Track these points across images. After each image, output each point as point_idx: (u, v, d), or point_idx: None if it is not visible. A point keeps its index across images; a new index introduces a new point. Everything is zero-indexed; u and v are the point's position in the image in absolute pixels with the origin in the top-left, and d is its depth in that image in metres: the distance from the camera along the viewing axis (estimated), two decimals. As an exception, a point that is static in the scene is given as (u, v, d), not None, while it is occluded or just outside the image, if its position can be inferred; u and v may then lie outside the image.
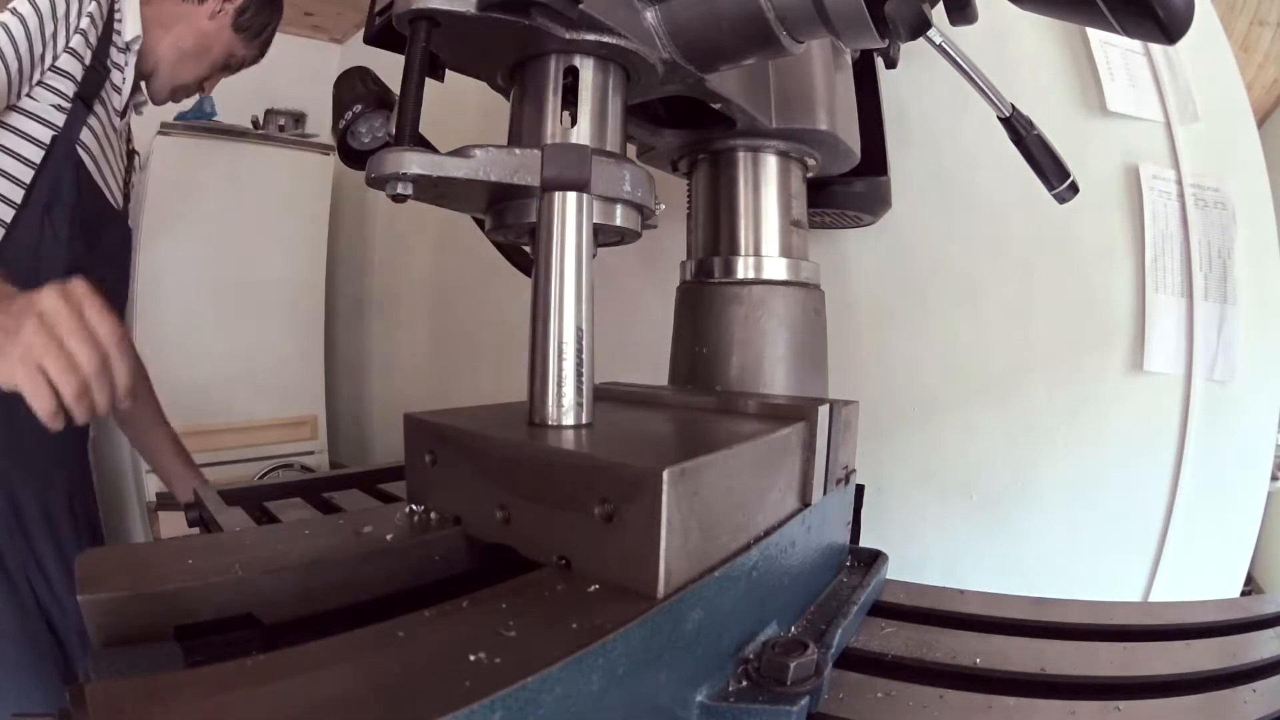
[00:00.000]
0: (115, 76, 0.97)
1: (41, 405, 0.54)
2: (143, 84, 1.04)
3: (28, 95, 0.86)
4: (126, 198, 1.08)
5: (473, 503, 0.40)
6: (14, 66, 0.82)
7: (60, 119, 0.89)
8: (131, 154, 1.11)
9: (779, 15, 0.44)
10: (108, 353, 0.56)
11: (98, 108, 0.94)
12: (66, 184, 0.90)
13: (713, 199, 0.67)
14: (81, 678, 0.28)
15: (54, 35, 0.85)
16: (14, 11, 0.82)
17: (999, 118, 0.63)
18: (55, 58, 0.87)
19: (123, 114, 1.01)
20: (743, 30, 0.45)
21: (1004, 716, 0.39)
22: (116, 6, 0.95)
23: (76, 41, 0.88)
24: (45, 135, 0.88)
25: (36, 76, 0.86)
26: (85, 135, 0.92)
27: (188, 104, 1.70)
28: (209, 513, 0.66)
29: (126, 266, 1.10)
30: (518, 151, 0.41)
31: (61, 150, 0.89)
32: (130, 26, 0.96)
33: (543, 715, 0.24)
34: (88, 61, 0.90)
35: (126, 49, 0.97)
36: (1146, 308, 0.82)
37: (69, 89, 0.89)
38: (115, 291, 1.07)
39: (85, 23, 0.88)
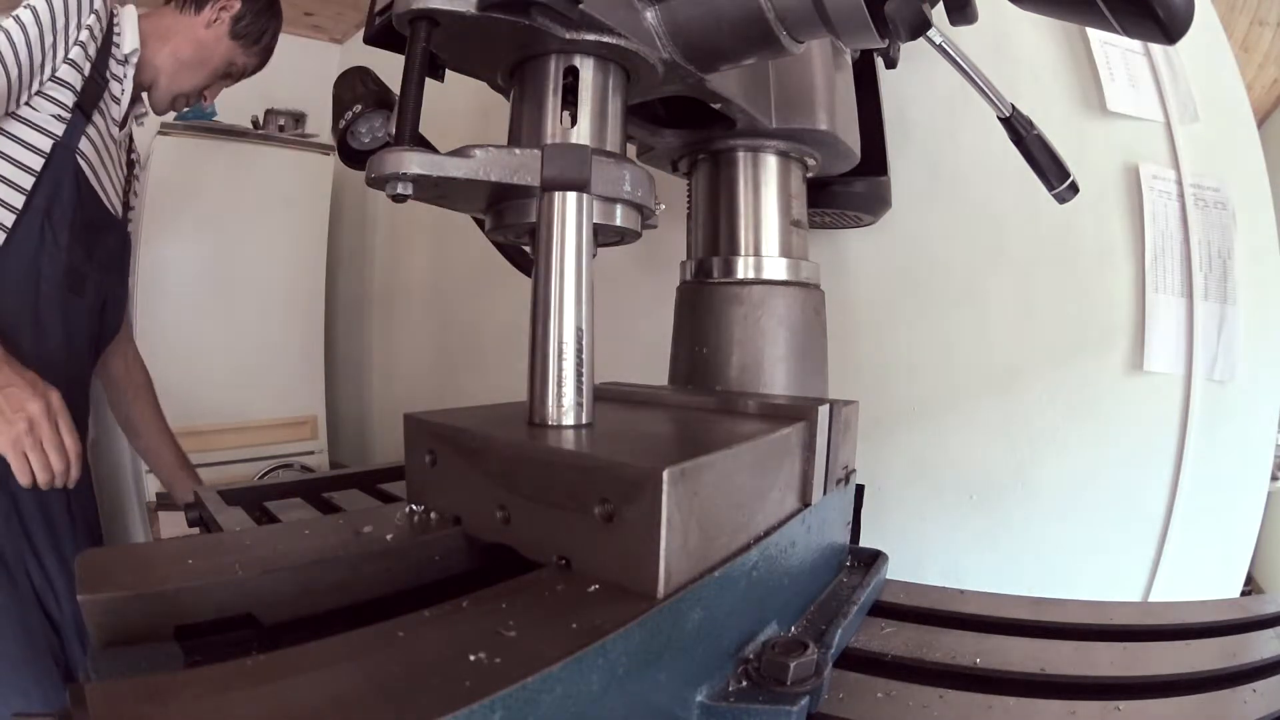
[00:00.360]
0: (114, 88, 0.99)
1: (21, 478, 0.79)
2: (143, 95, 1.06)
3: (28, 104, 0.89)
4: (127, 205, 1.09)
5: (473, 503, 0.40)
6: (14, 73, 0.84)
7: (60, 128, 0.91)
8: (132, 163, 1.12)
9: (779, 15, 0.44)
10: (71, 462, 0.82)
11: (96, 117, 0.96)
12: (66, 191, 0.93)
13: (713, 199, 0.67)
14: (81, 678, 0.28)
15: (53, 45, 0.88)
16: (16, 19, 0.84)
17: (999, 118, 0.63)
18: (55, 69, 0.89)
19: (122, 124, 1.03)
20: (743, 30, 0.45)
21: (1004, 716, 0.39)
22: (116, 20, 0.97)
23: (75, 53, 0.90)
24: (45, 143, 0.90)
25: (36, 86, 0.88)
26: (84, 144, 0.94)
27: (188, 104, 1.71)
28: (209, 513, 0.66)
29: (125, 272, 1.11)
30: (518, 151, 0.41)
31: (61, 158, 0.92)
32: (129, 40, 0.99)
33: (543, 715, 0.24)
34: (87, 72, 0.93)
35: (125, 61, 0.99)
36: (1146, 308, 0.82)
37: (68, 99, 0.91)
38: (114, 295, 1.08)
39: (84, 35, 0.91)
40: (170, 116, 1.65)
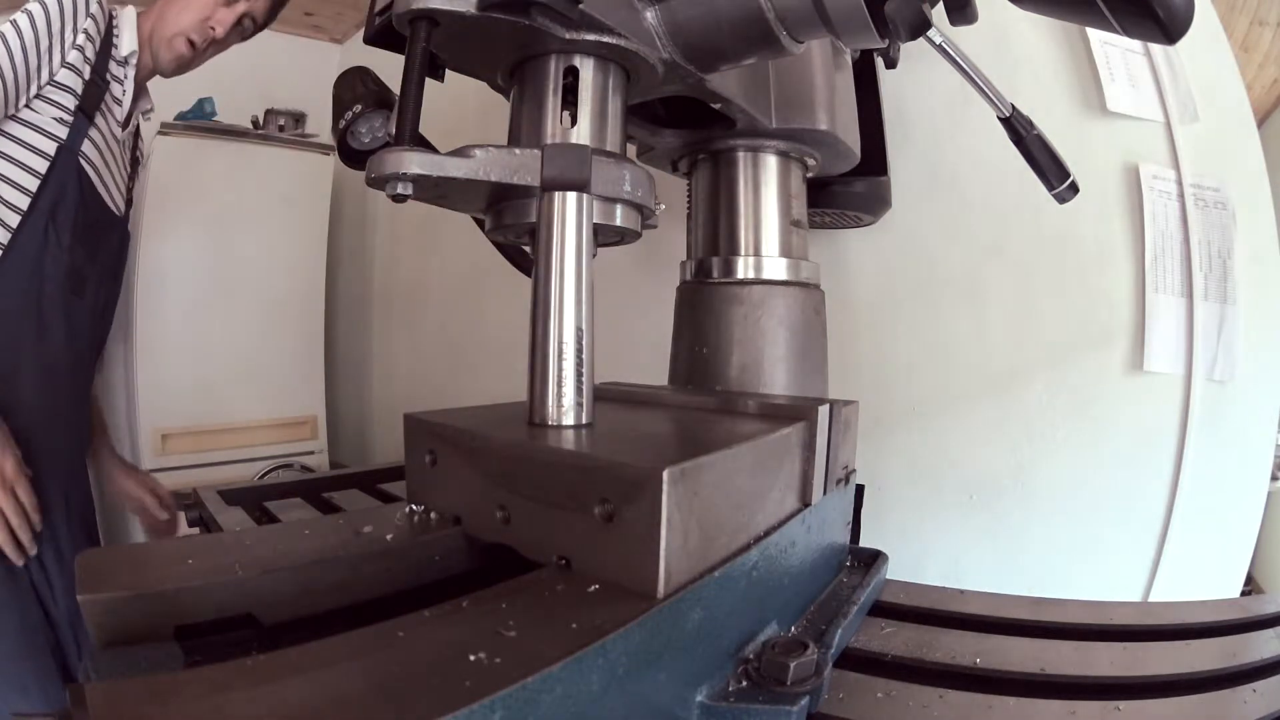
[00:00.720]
0: (115, 89, 0.99)
1: None
2: (147, 86, 1.05)
3: (28, 108, 0.89)
4: (129, 202, 1.09)
5: (473, 503, 0.40)
6: (9, 77, 0.85)
7: (63, 131, 0.92)
8: (136, 160, 1.12)
9: (779, 15, 0.44)
10: (30, 516, 0.87)
11: (99, 119, 0.97)
12: (70, 193, 0.93)
13: (713, 199, 0.67)
14: (81, 678, 0.28)
15: (49, 50, 0.88)
16: (13, 24, 0.85)
17: (999, 118, 0.63)
18: (53, 73, 0.90)
19: (125, 124, 1.03)
20: (743, 30, 0.45)
21: (1004, 716, 0.39)
22: (114, 22, 0.97)
23: (74, 56, 0.91)
24: (49, 146, 0.91)
25: (34, 90, 0.89)
26: (87, 146, 0.95)
27: (188, 104, 1.71)
28: (209, 513, 0.66)
29: (121, 272, 1.11)
30: (518, 151, 0.41)
31: (65, 160, 0.92)
32: (127, 41, 0.99)
33: (543, 715, 0.24)
34: (87, 76, 0.93)
35: (124, 63, 0.99)
36: (1146, 308, 0.82)
37: (70, 102, 0.91)
38: (112, 297, 1.09)
39: (82, 39, 0.91)
40: (171, 116, 1.65)
